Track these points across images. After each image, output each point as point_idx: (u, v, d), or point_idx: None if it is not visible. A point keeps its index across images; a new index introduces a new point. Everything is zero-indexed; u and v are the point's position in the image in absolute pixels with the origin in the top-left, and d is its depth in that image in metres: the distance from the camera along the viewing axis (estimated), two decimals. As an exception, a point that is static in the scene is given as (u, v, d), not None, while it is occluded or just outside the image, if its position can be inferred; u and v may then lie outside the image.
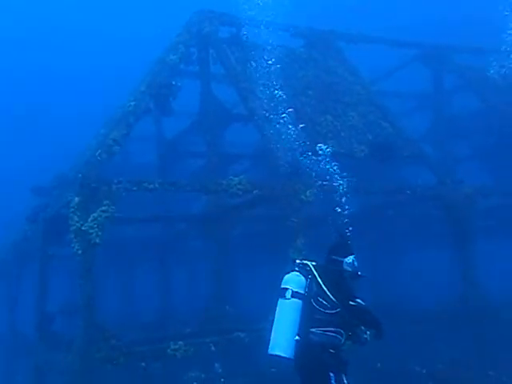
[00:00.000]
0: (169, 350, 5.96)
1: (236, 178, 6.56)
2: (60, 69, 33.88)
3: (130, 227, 9.90)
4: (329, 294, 3.89)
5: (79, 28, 34.57)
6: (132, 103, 7.11)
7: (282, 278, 4.02)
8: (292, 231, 6.91)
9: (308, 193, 7.11)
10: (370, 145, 8.22)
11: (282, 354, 3.77)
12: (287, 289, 3.92)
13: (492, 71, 10.48)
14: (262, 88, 8.12)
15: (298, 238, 6.86)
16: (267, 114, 7.90)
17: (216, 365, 6.66)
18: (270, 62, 8.29)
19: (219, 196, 8.17)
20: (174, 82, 8.08)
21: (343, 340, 3.87)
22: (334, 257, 4.12)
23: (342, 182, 7.83)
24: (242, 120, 9.15)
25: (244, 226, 10.61)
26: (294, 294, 3.90)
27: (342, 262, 4.07)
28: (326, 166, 7.43)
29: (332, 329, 3.84)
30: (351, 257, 4.09)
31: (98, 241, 5.63)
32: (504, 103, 9.70)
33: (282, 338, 3.81)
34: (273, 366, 4.01)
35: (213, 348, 5.91)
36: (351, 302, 3.87)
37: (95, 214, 5.74)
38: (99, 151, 6.41)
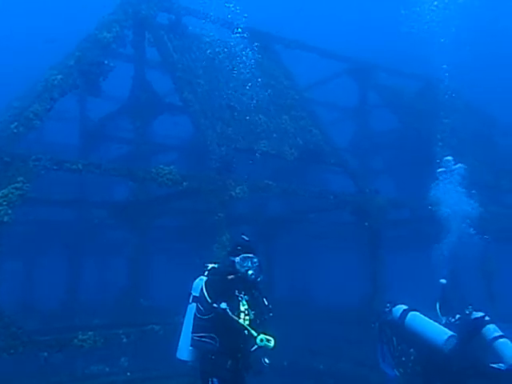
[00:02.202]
0: (76, 341, 5.58)
1: (166, 168, 6.37)
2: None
3: (42, 209, 9.15)
4: (207, 297, 3.78)
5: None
6: (58, 77, 6.57)
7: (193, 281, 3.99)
8: (218, 226, 6.88)
9: (238, 189, 7.14)
10: (301, 148, 8.48)
11: (181, 358, 3.81)
12: (190, 293, 3.95)
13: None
14: (199, 80, 8.00)
15: (223, 234, 6.84)
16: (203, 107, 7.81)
17: (122, 359, 6.41)
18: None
19: (144, 185, 7.89)
20: (106, 62, 7.62)
21: (218, 345, 3.76)
22: (230, 257, 4.05)
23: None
24: (175, 110, 8.92)
25: (167, 218, 10.37)
26: (194, 299, 3.90)
27: (234, 261, 3.98)
28: None
29: (205, 334, 3.77)
30: (241, 256, 3.95)
31: (6, 219, 5.11)
32: (417, 124, 10.57)
33: (182, 343, 3.86)
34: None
35: (125, 340, 5.65)
36: (214, 305, 3.72)
37: (5, 191, 5.21)
38: (16, 124, 5.82)
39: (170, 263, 13.12)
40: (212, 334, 3.74)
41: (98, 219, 10.11)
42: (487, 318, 5.38)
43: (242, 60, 9.46)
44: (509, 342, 5.30)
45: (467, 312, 5.63)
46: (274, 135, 8.48)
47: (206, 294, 3.76)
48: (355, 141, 12.75)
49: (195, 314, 3.83)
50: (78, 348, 5.50)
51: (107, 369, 6.34)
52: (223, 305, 3.67)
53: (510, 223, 9.34)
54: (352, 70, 11.84)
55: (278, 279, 11.78)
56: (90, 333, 5.57)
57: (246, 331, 3.64)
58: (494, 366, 4.86)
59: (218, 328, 3.72)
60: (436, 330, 4.83)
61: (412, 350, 4.95)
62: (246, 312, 3.77)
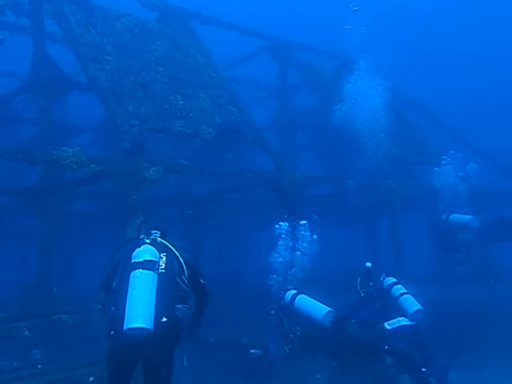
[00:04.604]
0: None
1: (70, 150, 6.01)
2: None
3: None
4: (186, 272, 4.07)
5: None
6: None
7: (133, 250, 3.99)
8: (132, 209, 6.70)
9: (152, 171, 6.97)
10: (219, 127, 8.41)
11: (145, 326, 3.64)
12: (154, 261, 3.90)
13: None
14: (106, 56, 7.60)
15: (138, 217, 6.67)
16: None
17: (34, 351, 6.11)
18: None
19: (55, 169, 7.43)
20: None
21: (191, 313, 4.20)
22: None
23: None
24: (84, 89, 8.42)
25: (83, 203, 9.92)
26: (158, 268, 3.95)
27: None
28: None
29: (187, 305, 4.09)
30: None
31: None
32: (334, 101, 10.88)
33: (146, 311, 3.70)
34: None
35: (27, 332, 5.36)
36: (201, 280, 4.18)
37: None
38: None
39: (89, 249, 12.64)
40: (189, 304, 4.10)
41: (9, 206, 9.42)
42: (395, 280, 6.24)
43: (155, 36, 9.13)
44: (411, 297, 6.16)
45: (381, 279, 6.50)
46: (191, 114, 8.32)
47: (185, 268, 4.08)
48: (277, 119, 12.92)
49: (180, 286, 4.01)
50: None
51: (15, 363, 5.99)
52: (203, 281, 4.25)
53: (416, 193, 10.10)
54: (271, 47, 11.87)
55: (206, 258, 11.85)
56: (-20, 328, 5.18)
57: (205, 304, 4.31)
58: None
59: (195, 298, 4.20)
60: (317, 308, 5.70)
61: (298, 327, 5.69)
62: None
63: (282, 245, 6.95)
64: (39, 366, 5.86)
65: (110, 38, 7.90)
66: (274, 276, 6.64)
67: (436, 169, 9.78)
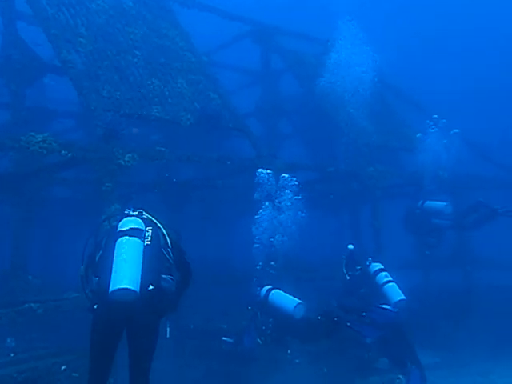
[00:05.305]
0: None
1: (39, 136, 5.84)
2: None
3: None
4: (170, 246, 4.09)
5: None
6: None
7: (119, 221, 3.99)
8: (106, 197, 6.59)
9: (127, 157, 6.84)
10: (198, 113, 8.27)
11: (132, 287, 3.57)
12: (141, 230, 3.89)
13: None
14: (80, 39, 7.39)
15: (112, 205, 6.57)
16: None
17: (8, 340, 6.05)
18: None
19: (28, 155, 7.25)
20: None
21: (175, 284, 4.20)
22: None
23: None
24: (58, 72, 8.20)
25: (61, 189, 9.77)
26: (144, 239, 3.95)
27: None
28: None
29: (173, 276, 4.08)
30: None
31: None
32: (317, 88, 10.77)
33: (134, 274, 3.65)
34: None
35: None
36: (186, 258, 4.20)
37: None
38: None
39: (68, 237, 12.50)
40: (173, 276, 4.05)
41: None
42: (382, 267, 6.40)
43: (132, 18, 8.91)
44: (395, 285, 6.31)
45: (367, 263, 6.69)
46: (169, 100, 8.16)
47: (169, 243, 4.08)
48: (261, 105, 12.78)
49: (167, 258, 4.01)
50: None
51: (-12, 352, 5.91)
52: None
53: (396, 180, 10.12)
54: (254, 32, 11.67)
55: (189, 244, 11.76)
56: None
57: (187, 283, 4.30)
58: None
59: (179, 275, 4.14)
60: (288, 300, 6.01)
61: (271, 319, 6.10)
62: None
63: (265, 207, 7.05)
64: (11, 355, 5.79)
65: (83, 20, 7.67)
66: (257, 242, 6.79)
67: (420, 135, 9.76)
